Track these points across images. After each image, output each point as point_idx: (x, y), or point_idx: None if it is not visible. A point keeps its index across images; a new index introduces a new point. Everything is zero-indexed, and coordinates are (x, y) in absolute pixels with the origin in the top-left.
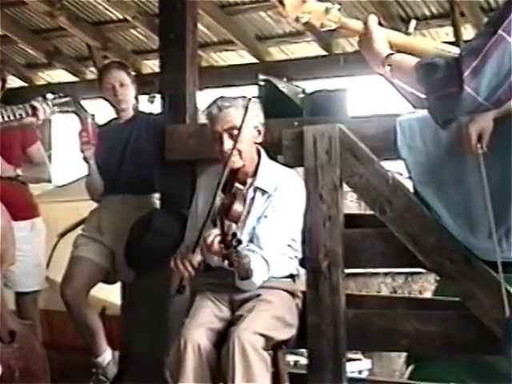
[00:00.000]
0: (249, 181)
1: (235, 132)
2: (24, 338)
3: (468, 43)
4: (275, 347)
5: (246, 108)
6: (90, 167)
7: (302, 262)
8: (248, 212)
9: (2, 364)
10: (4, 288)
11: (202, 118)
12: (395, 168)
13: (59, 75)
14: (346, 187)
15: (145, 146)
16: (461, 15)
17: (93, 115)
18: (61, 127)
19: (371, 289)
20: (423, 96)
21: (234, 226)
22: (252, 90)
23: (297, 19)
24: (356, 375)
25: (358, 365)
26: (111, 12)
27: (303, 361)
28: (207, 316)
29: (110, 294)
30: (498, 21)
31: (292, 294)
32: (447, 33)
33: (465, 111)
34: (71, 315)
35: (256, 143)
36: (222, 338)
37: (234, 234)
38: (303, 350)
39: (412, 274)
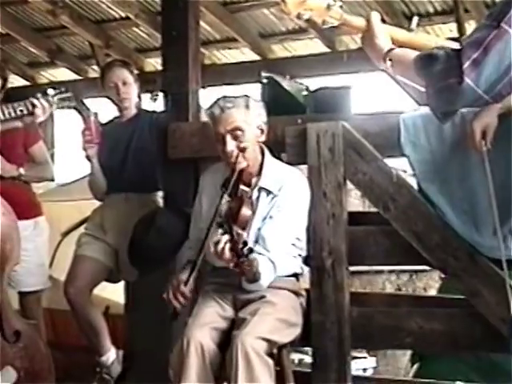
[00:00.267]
0: (253, 181)
1: (238, 133)
2: (29, 338)
3: (468, 35)
4: (280, 346)
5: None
6: (92, 166)
7: (306, 260)
8: (253, 213)
9: (7, 364)
10: (8, 288)
11: (205, 116)
12: (399, 165)
13: (62, 74)
14: (349, 185)
15: (148, 144)
16: (465, 11)
17: (95, 113)
18: (63, 126)
19: (375, 286)
20: (423, 89)
21: (241, 231)
22: (255, 88)
23: (298, 16)
24: (361, 373)
25: (362, 363)
26: (114, 10)
27: (308, 359)
28: (211, 315)
29: (114, 292)
30: (500, 14)
31: (296, 293)
32: (451, 29)
33: (464, 103)
34: (75, 314)
35: (259, 142)
36: (226, 338)
37: (245, 243)
38: (308, 349)
39: (416, 271)
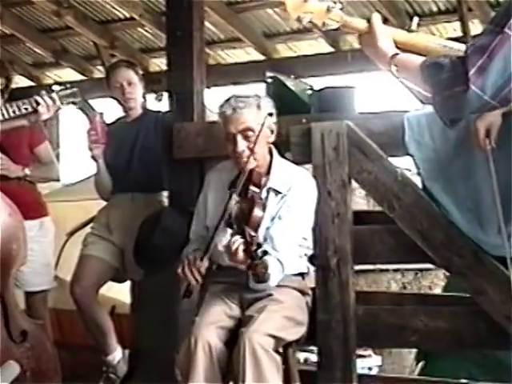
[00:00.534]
0: (262, 181)
1: (249, 133)
2: (35, 338)
3: (473, 42)
4: (286, 345)
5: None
6: (98, 166)
7: (312, 259)
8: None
9: None
10: (14, 288)
11: (210, 116)
12: (403, 164)
13: (67, 74)
14: (354, 184)
15: (153, 144)
16: (468, 10)
17: (101, 113)
18: (69, 126)
19: (381, 285)
20: (429, 95)
21: (253, 232)
22: (259, 88)
23: (298, 19)
24: (366, 372)
25: (368, 361)
26: (118, 11)
27: (313, 358)
28: (217, 314)
29: (119, 292)
30: (504, 19)
31: (302, 292)
32: (455, 28)
33: (471, 110)
34: (81, 314)
35: (268, 142)
36: (233, 336)
37: (260, 245)
38: (313, 347)
39: (421, 270)
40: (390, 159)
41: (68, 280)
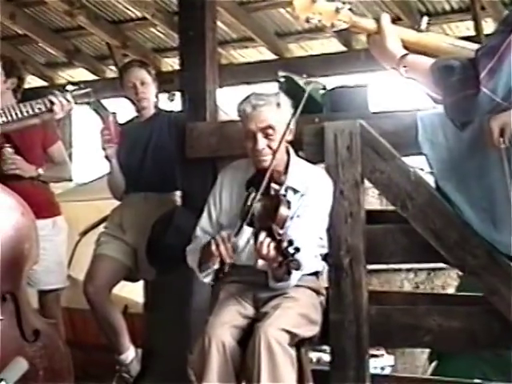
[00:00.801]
0: (282, 180)
1: (270, 131)
2: (48, 337)
3: (483, 44)
4: (299, 344)
5: (294, 113)
6: (111, 165)
7: (325, 258)
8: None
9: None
10: (27, 287)
11: (222, 116)
12: (417, 163)
13: (79, 74)
14: (367, 183)
15: (166, 143)
16: (481, 9)
17: (114, 113)
18: (81, 125)
19: (394, 285)
20: (439, 97)
21: (280, 230)
22: (272, 87)
23: (307, 20)
24: (379, 371)
25: (380, 361)
26: (130, 10)
27: (326, 358)
28: (231, 314)
29: (132, 292)
30: None
31: (316, 291)
32: (468, 27)
33: (482, 112)
34: (94, 313)
35: (286, 141)
36: (246, 336)
37: (291, 242)
38: (326, 347)
39: (434, 269)
40: (403, 159)
41: (81, 279)
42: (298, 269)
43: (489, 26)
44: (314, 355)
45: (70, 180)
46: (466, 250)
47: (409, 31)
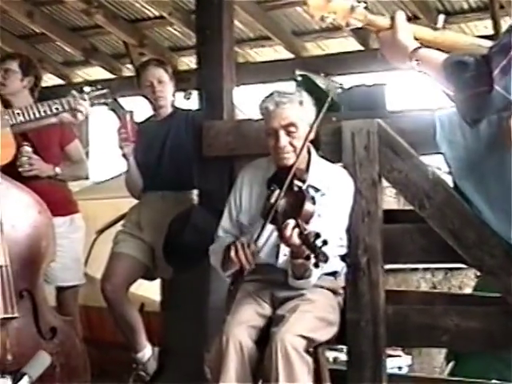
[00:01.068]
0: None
1: (292, 129)
2: (65, 334)
3: (497, 41)
4: (316, 344)
5: (318, 114)
6: (129, 164)
7: (344, 259)
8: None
9: None
10: (44, 284)
11: (240, 115)
12: (434, 163)
13: (96, 72)
14: (384, 183)
15: (183, 142)
16: (500, 8)
17: (131, 112)
18: (98, 124)
19: (410, 284)
20: (451, 93)
21: (306, 225)
22: (289, 86)
23: (322, 19)
24: (396, 371)
25: (397, 361)
26: (147, 9)
27: (343, 357)
28: (249, 313)
29: (148, 290)
30: None
31: (334, 291)
32: (486, 26)
33: (494, 110)
34: (111, 311)
35: (308, 140)
36: (263, 335)
37: (318, 235)
38: (343, 347)
39: (451, 269)
40: (421, 158)
41: (98, 277)
42: (326, 261)
43: (507, 25)
44: (330, 354)
45: (87, 178)
46: (484, 250)
47: (424, 29)
